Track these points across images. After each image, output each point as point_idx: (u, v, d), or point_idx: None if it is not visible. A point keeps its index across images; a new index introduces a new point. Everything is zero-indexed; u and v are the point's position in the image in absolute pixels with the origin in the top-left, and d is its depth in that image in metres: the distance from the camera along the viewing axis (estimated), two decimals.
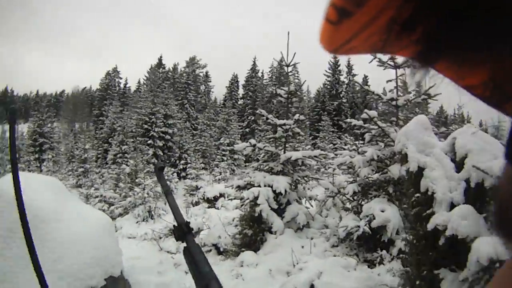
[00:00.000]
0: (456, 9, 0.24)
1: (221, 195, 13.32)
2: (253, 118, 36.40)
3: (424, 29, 0.26)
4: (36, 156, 25.69)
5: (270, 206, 6.88)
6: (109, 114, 30.97)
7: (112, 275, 4.17)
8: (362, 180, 6.15)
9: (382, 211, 5.27)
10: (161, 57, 53.96)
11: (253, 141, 7.88)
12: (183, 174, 21.50)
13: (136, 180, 14.34)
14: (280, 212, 7.24)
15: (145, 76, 50.48)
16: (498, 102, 0.30)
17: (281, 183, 7.21)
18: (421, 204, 3.08)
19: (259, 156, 8.39)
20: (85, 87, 76.91)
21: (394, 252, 4.98)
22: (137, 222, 11.58)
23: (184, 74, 48.02)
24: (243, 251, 6.23)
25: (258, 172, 7.99)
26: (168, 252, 7.56)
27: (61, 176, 20.82)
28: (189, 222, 0.77)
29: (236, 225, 7.19)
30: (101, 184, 17.35)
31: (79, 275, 3.86)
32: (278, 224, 6.69)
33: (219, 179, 19.38)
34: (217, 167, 21.55)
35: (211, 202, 13.52)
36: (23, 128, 34.46)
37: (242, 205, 7.12)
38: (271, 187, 7.17)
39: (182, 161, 22.53)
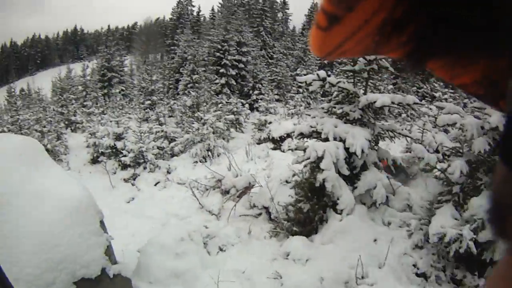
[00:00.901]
0: (444, 11, 0.25)
1: (288, 135, 11.17)
2: None
3: (414, 29, 0.26)
4: (105, 91, 25.70)
5: (339, 172, 4.93)
6: (180, 43, 29.66)
7: (84, 276, 2.83)
8: (472, 155, 3.89)
9: None
10: None
11: (322, 73, 5.48)
12: (256, 105, 20.33)
13: (195, 115, 12.61)
14: (352, 179, 5.28)
15: (219, 3, 47.11)
16: (493, 99, 0.31)
17: (358, 138, 5.02)
18: None
19: (331, 96, 6.21)
20: (158, 18, 75.97)
21: None
22: (194, 162, 10.23)
23: (260, 0, 44.26)
24: (295, 231, 4.54)
25: (328, 117, 5.86)
26: (209, 212, 6.31)
27: (130, 109, 20.22)
28: None
29: (293, 187, 5.36)
30: (168, 117, 15.89)
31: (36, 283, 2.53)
32: (347, 199, 4.78)
33: (292, 114, 17.50)
34: (292, 100, 19.53)
35: (277, 142, 11.68)
36: (94, 65, 34.66)
37: (302, 163, 5.19)
38: (344, 142, 5.12)
39: (256, 91, 21.42)
